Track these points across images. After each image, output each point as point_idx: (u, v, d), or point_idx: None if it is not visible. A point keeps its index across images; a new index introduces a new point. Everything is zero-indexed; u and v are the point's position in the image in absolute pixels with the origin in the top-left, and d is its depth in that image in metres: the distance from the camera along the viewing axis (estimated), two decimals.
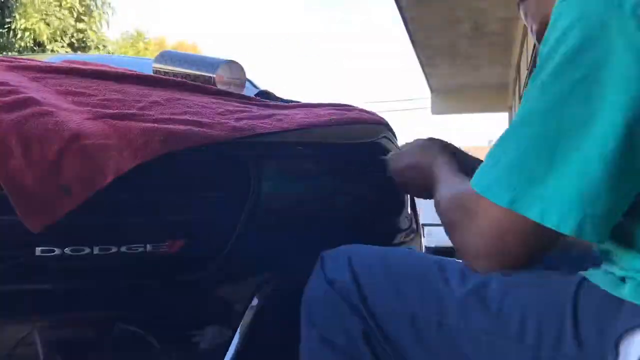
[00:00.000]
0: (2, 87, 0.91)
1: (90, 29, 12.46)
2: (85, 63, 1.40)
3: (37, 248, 0.78)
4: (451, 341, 0.68)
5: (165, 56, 1.47)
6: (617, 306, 0.59)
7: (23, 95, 0.89)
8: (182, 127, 0.87)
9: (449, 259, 0.76)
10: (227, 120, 0.95)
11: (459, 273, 0.70)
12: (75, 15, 12.13)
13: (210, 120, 0.93)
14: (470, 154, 0.97)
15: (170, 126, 0.86)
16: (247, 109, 1.08)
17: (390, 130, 1.22)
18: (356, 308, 0.74)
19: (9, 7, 11.25)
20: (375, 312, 0.73)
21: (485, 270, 0.67)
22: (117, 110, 0.91)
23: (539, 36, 0.80)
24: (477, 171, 0.67)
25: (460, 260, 0.72)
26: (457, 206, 0.71)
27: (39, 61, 1.26)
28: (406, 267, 0.76)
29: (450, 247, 0.84)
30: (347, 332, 0.74)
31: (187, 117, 0.93)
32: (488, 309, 0.65)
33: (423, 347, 0.70)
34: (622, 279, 0.60)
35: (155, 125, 0.86)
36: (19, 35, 11.15)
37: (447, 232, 0.74)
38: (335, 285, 0.76)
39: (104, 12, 12.91)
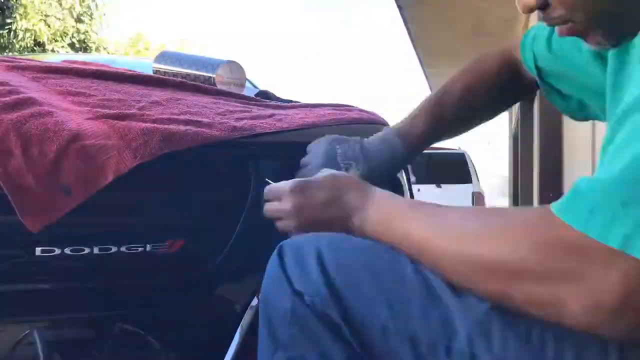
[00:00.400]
0: (2, 87, 0.91)
1: (92, 30, 12.47)
2: (85, 63, 1.40)
3: (37, 248, 0.79)
4: None
5: (165, 56, 1.47)
6: None
7: (23, 95, 0.89)
8: (182, 127, 0.87)
9: None
10: (227, 120, 0.95)
11: None
12: (75, 16, 12.14)
13: (210, 120, 0.93)
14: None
15: (170, 126, 0.86)
16: (247, 109, 1.08)
17: None
18: (337, 328, 0.59)
19: (9, 8, 11.25)
20: (363, 332, 0.58)
21: (620, 333, 0.49)
22: (117, 110, 0.91)
23: (570, 29, 0.59)
24: (585, 204, 0.48)
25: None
26: (549, 250, 0.50)
27: (39, 61, 1.26)
28: (398, 270, 0.60)
29: None
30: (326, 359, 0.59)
31: (187, 117, 0.93)
32: (516, 332, 0.54)
33: None
34: None
35: (155, 125, 0.86)
36: (20, 36, 11.16)
37: (522, 282, 0.51)
38: (306, 298, 0.60)
39: (104, 14, 12.92)
